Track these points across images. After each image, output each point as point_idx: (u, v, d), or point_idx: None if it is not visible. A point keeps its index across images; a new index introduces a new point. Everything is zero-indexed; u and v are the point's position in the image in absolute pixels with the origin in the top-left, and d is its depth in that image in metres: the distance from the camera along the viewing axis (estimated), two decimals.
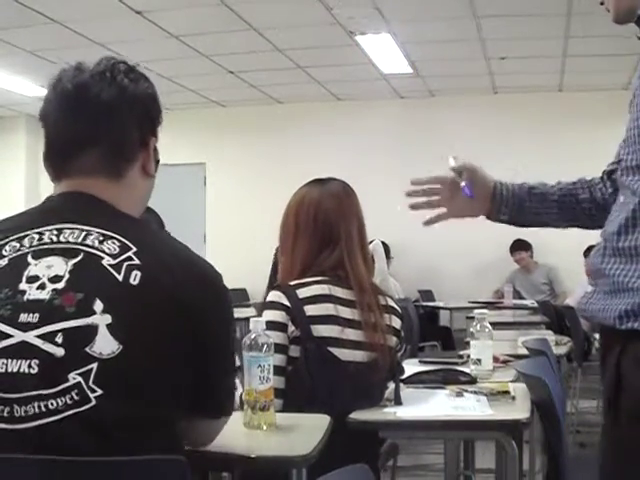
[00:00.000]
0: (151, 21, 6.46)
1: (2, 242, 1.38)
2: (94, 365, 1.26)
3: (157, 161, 1.60)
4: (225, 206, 9.84)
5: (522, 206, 1.87)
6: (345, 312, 2.38)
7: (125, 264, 1.34)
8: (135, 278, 1.33)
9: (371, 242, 3.70)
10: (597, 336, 5.26)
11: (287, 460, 1.69)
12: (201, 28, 6.73)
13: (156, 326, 1.33)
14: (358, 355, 2.38)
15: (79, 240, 1.36)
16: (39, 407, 1.24)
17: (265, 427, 1.89)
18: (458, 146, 9.41)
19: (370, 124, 9.33)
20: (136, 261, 1.34)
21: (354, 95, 9.23)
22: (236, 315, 6.66)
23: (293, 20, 6.55)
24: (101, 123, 1.46)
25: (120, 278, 1.32)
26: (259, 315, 2.36)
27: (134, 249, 1.36)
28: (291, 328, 2.34)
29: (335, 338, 2.34)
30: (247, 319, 2.42)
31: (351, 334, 2.37)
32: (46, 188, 1.46)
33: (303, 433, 1.86)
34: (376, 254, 7.58)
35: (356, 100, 9.35)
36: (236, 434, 1.85)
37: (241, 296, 9.10)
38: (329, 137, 9.44)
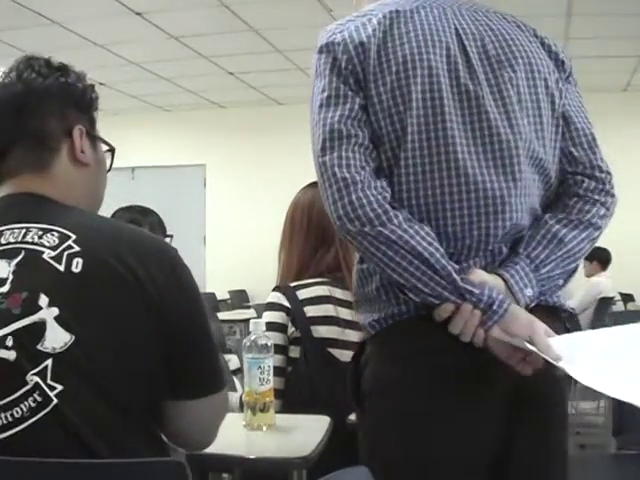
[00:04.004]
0: (151, 22, 6.46)
1: None
2: (48, 362, 1.23)
3: (112, 150, 1.56)
4: (225, 207, 9.84)
5: None
6: (345, 313, 2.38)
7: (65, 253, 1.30)
8: (77, 265, 1.29)
9: None
10: None
11: (287, 461, 1.69)
12: (201, 29, 6.73)
13: (107, 311, 1.28)
14: None
15: (19, 239, 1.33)
16: (5, 418, 1.21)
17: (265, 428, 1.89)
18: None
19: None
20: (76, 248, 1.31)
21: None
22: (236, 317, 6.69)
23: (293, 22, 6.55)
24: (10, 122, 1.45)
25: (62, 268, 1.29)
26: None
27: (73, 237, 1.32)
28: (291, 329, 2.34)
29: (335, 339, 2.34)
30: (247, 320, 2.42)
31: (351, 335, 2.37)
32: None
33: (303, 434, 1.86)
34: None
35: None
36: (236, 435, 1.85)
37: (241, 297, 9.10)
38: None
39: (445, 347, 1.47)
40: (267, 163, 9.63)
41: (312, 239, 2.47)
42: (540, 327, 1.43)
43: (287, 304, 2.36)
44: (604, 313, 6.64)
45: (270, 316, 2.35)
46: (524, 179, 1.53)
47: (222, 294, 8.91)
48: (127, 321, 1.29)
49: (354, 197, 1.45)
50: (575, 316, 1.70)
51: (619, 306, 7.64)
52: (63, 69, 1.52)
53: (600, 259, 6.85)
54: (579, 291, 7.04)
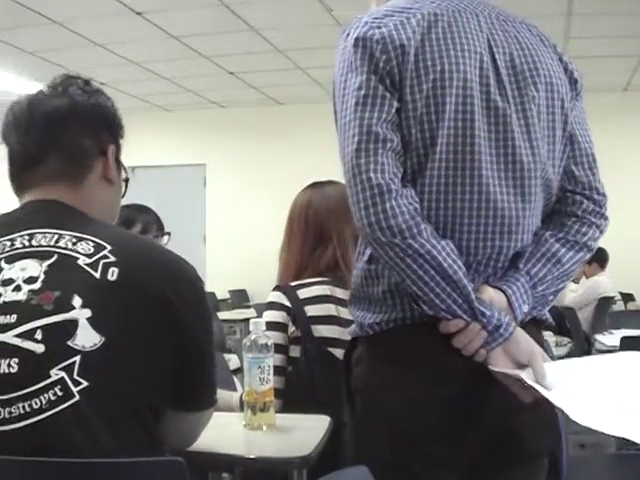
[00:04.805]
0: (151, 22, 6.46)
1: None
2: (77, 358, 1.26)
3: (126, 180, 1.63)
4: (225, 207, 9.85)
5: None
6: (346, 313, 2.37)
7: (101, 262, 1.35)
8: (113, 274, 1.34)
9: None
10: (597, 337, 5.25)
11: (287, 461, 1.69)
12: (201, 29, 6.73)
13: (136, 320, 1.34)
14: None
15: (52, 243, 1.37)
16: (23, 407, 1.23)
17: (265, 428, 1.89)
18: None
19: None
20: (112, 258, 1.36)
21: None
22: (236, 316, 6.71)
23: (293, 21, 6.56)
24: (52, 133, 1.49)
25: (97, 275, 1.33)
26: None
27: (109, 247, 1.37)
28: (291, 329, 2.34)
29: (336, 339, 2.34)
30: (247, 320, 2.42)
31: None
32: None
33: (303, 434, 1.86)
34: None
35: None
36: (236, 435, 1.85)
37: (241, 297, 9.10)
38: (329, 138, 9.37)
39: (444, 356, 1.48)
40: (267, 163, 9.63)
41: (310, 238, 2.47)
42: (538, 353, 1.47)
43: (288, 303, 2.36)
44: (604, 313, 6.65)
45: (270, 315, 2.35)
46: (536, 200, 1.56)
47: (222, 294, 8.92)
48: (153, 333, 1.35)
49: (387, 206, 1.44)
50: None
51: (619, 306, 7.65)
52: (101, 91, 1.58)
53: (599, 259, 6.85)
54: (579, 289, 7.05)
